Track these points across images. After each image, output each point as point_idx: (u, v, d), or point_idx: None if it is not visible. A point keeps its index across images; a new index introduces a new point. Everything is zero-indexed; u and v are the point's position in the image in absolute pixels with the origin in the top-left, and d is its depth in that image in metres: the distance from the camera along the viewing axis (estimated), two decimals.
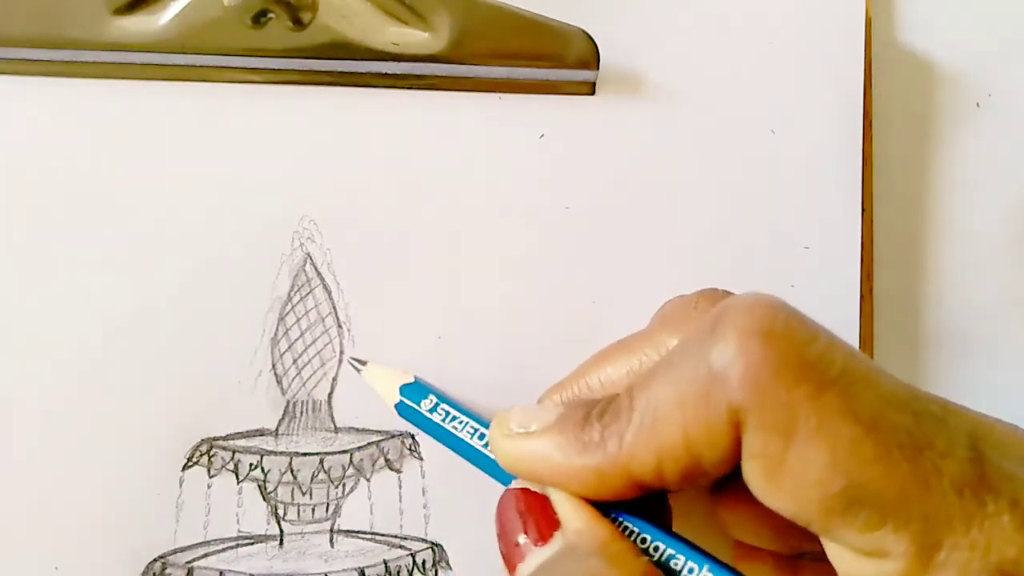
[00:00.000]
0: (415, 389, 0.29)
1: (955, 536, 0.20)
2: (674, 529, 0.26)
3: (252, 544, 0.31)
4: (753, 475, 0.21)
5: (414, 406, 0.29)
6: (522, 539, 0.24)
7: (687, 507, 0.27)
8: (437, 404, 0.29)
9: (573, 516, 0.23)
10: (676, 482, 0.23)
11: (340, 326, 0.32)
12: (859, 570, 0.21)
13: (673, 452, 0.22)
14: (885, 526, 0.20)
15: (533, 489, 0.25)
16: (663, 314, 0.27)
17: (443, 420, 0.28)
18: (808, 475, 0.20)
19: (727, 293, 0.26)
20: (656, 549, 0.23)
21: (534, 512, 0.24)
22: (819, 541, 0.22)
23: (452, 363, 0.32)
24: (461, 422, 0.28)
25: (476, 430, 0.28)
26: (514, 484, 0.26)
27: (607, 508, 0.24)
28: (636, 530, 0.24)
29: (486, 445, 0.27)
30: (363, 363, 0.31)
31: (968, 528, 0.20)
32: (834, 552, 0.21)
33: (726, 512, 0.25)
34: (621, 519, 0.24)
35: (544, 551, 0.24)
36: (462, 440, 0.28)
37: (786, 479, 0.21)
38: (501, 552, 0.25)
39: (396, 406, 0.30)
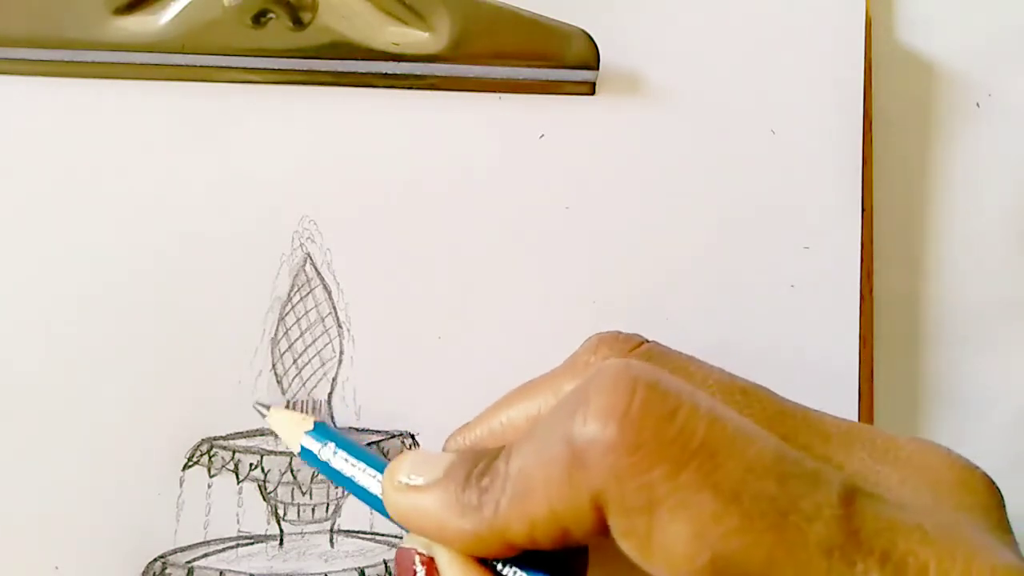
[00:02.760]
0: (317, 434, 0.29)
1: None
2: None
3: (252, 544, 0.31)
4: (625, 549, 0.21)
5: (315, 452, 0.28)
6: None
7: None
8: (336, 451, 0.28)
9: (452, 572, 0.24)
10: (551, 547, 0.23)
11: (340, 326, 0.32)
12: None
13: (543, 524, 0.22)
14: None
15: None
16: (571, 357, 0.27)
17: (342, 468, 0.28)
18: (675, 549, 0.20)
19: (631, 339, 0.26)
20: None
21: (425, 564, 0.25)
22: None
23: (452, 363, 0.32)
24: (360, 469, 0.27)
25: (375, 476, 0.27)
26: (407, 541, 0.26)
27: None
28: None
29: None
30: (267, 408, 0.30)
31: None
32: None
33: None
34: (516, 569, 0.24)
35: None
36: (362, 487, 0.27)
37: (655, 553, 0.21)
38: None
39: (300, 452, 0.29)
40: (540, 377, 0.27)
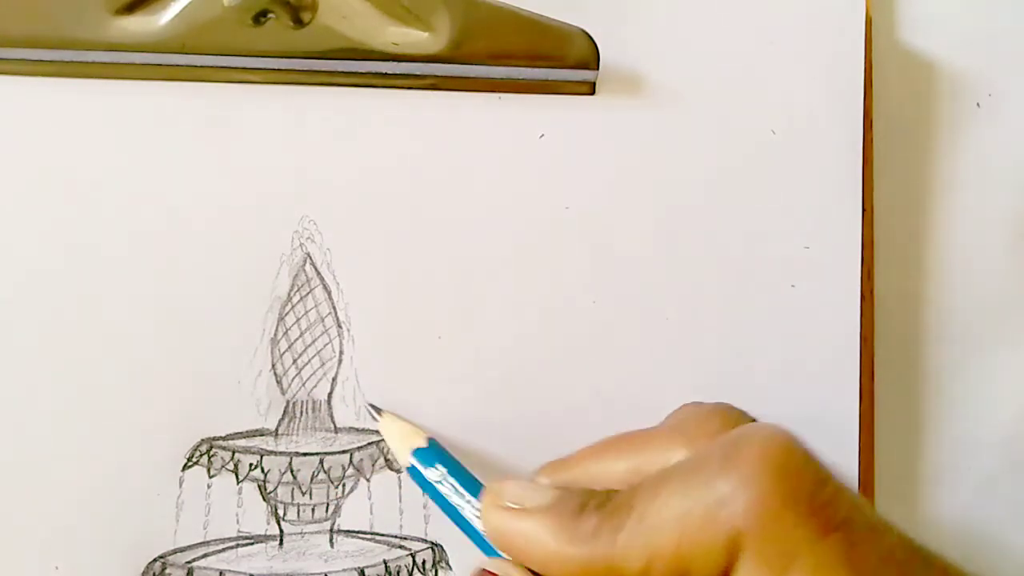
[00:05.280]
0: (427, 454, 0.29)
1: None
2: None
3: (252, 544, 0.31)
4: None
5: (422, 470, 0.29)
6: None
7: None
8: (444, 476, 0.28)
9: None
10: None
11: (340, 326, 0.32)
12: None
13: (663, 560, 0.22)
14: None
15: (494, 571, 0.25)
16: (675, 422, 0.27)
17: (448, 493, 0.28)
18: None
19: (743, 415, 0.26)
20: None
21: None
22: None
23: (452, 364, 0.32)
24: (464, 499, 0.28)
25: (477, 508, 0.27)
26: (488, 563, 0.25)
27: None
28: None
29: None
30: (380, 412, 0.31)
31: None
32: None
33: None
34: None
35: None
36: (462, 516, 0.27)
37: None
38: None
39: (408, 470, 0.29)
40: (639, 433, 0.27)
